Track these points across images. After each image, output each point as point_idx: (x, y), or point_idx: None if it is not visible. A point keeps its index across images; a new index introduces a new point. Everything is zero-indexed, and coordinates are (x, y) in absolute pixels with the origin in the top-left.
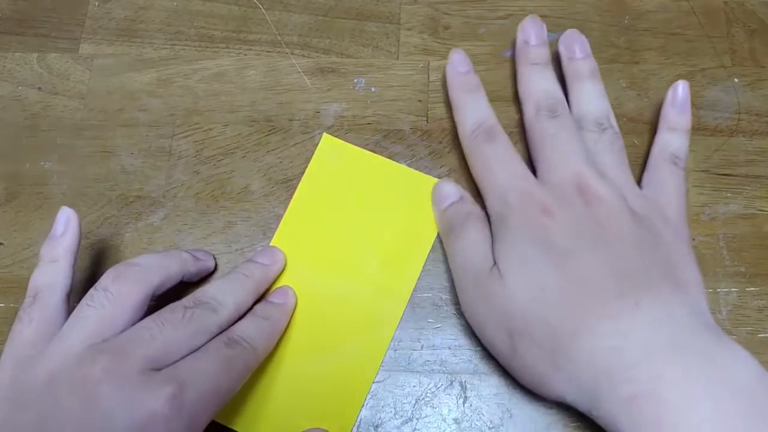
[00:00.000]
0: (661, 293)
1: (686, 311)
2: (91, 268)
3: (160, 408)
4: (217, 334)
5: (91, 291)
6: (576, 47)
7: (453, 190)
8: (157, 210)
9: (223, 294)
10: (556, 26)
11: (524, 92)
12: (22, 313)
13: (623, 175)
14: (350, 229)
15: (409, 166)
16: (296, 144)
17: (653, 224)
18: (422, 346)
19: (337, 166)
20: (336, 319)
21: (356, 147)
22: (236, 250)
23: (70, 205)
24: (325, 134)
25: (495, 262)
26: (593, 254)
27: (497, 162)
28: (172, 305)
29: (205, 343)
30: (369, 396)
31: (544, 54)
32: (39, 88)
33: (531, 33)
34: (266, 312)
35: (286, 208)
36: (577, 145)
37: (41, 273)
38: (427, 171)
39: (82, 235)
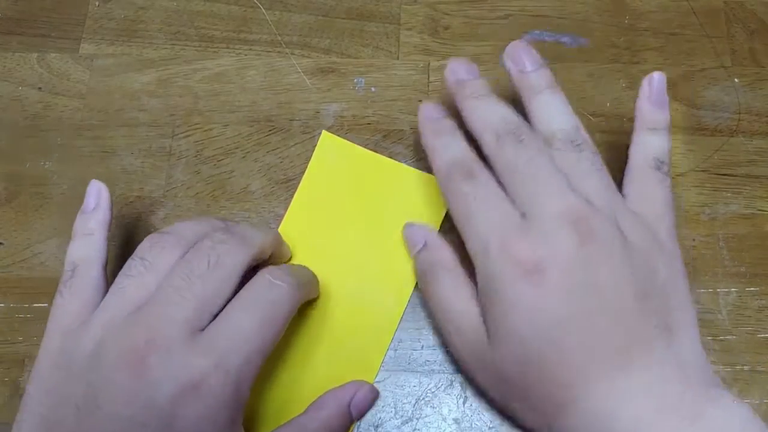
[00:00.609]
0: (655, 350)
1: (678, 366)
2: None
3: (206, 377)
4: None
5: (129, 261)
6: (525, 59)
7: (418, 235)
8: (157, 210)
9: (250, 229)
10: (556, 26)
11: (476, 127)
12: (62, 287)
13: (612, 197)
14: (351, 227)
15: (409, 166)
16: (296, 144)
17: (650, 257)
18: (422, 346)
19: (337, 165)
20: (336, 319)
21: (355, 145)
22: None
23: (70, 206)
24: (324, 132)
25: (481, 316)
26: (588, 317)
27: (476, 202)
28: (197, 245)
29: (240, 286)
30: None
31: (482, 85)
32: (39, 88)
33: (461, 71)
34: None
35: (286, 208)
36: (557, 172)
37: (77, 247)
38: (427, 171)
39: (113, 207)
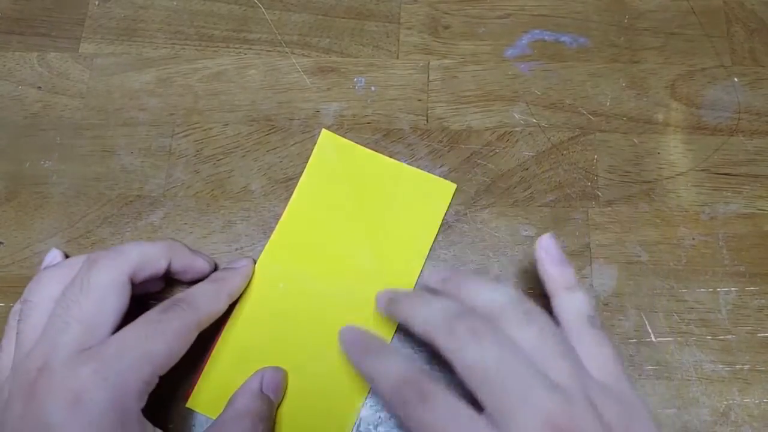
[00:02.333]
0: None
1: None
2: None
3: (85, 385)
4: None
5: (18, 306)
6: (441, 271)
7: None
8: (157, 209)
9: (131, 244)
10: (556, 26)
11: (418, 323)
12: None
13: (579, 374)
14: (350, 227)
15: (409, 165)
16: (296, 143)
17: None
18: (423, 345)
19: (337, 163)
20: (336, 318)
21: (356, 144)
22: (236, 249)
23: (70, 205)
24: (324, 130)
25: None
26: None
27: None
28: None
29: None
30: (369, 395)
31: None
32: (39, 87)
33: (381, 299)
34: (217, 275)
35: (285, 207)
36: (524, 365)
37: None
38: (427, 170)
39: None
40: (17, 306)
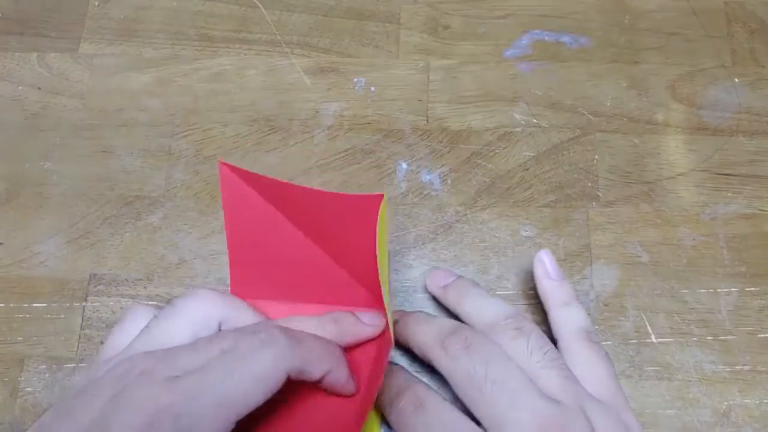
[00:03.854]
0: None
1: None
2: (90, 267)
3: (158, 413)
4: None
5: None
6: (440, 279)
7: None
8: (156, 210)
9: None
10: (556, 26)
11: (416, 341)
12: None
13: (573, 388)
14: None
15: (409, 165)
16: (296, 144)
17: None
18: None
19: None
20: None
21: (259, 174)
22: None
23: (70, 205)
24: (220, 162)
25: None
26: None
27: None
28: None
29: None
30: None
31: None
32: (39, 87)
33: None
34: (336, 316)
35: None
36: (516, 376)
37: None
38: (428, 170)
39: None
40: (142, 307)
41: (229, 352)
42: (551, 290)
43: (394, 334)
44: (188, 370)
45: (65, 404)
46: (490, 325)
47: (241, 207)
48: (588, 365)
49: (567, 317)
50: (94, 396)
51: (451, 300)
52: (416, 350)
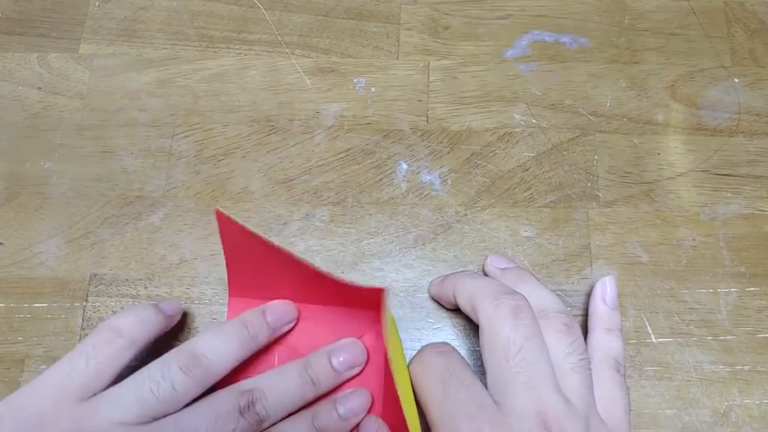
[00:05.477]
0: None
1: None
2: (90, 267)
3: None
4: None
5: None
6: (502, 263)
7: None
8: (157, 210)
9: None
10: (556, 26)
11: (468, 289)
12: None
13: (588, 399)
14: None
15: (409, 166)
16: (296, 144)
17: None
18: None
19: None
20: None
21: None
22: None
23: (70, 205)
24: (216, 210)
25: None
26: None
27: (451, 380)
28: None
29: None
30: None
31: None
32: (39, 88)
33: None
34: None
35: (286, 208)
36: (545, 362)
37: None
38: (428, 171)
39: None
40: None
41: None
42: (603, 314)
43: (444, 288)
44: None
45: None
46: (541, 311)
47: (239, 248)
48: (608, 390)
49: (606, 342)
50: None
51: (511, 279)
52: (462, 299)
